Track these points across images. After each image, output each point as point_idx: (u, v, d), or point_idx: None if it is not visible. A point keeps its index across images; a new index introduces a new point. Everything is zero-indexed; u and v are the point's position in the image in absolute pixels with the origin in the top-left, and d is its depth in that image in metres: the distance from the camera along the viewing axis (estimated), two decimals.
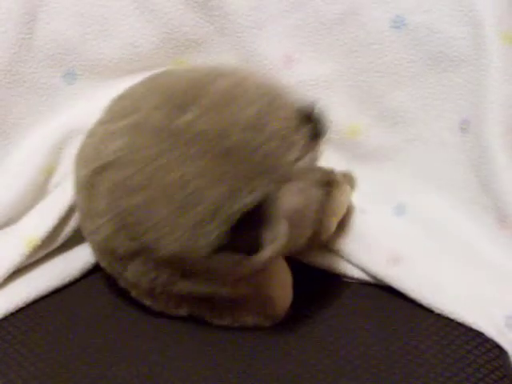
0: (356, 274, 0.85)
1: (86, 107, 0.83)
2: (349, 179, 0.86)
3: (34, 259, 0.85)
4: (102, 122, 0.76)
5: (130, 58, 0.89)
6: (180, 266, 0.71)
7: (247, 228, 0.67)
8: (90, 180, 0.73)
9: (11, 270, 0.83)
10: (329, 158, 0.90)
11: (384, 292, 0.83)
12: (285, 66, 0.90)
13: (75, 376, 0.72)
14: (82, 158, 0.77)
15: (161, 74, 0.78)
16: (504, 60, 0.83)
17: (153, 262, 0.72)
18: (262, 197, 0.67)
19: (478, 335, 0.75)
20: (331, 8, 0.88)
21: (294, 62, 0.90)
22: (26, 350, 0.76)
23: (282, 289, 0.78)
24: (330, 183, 0.80)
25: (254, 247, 0.68)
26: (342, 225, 0.85)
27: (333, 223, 0.82)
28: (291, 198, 0.69)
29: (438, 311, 0.78)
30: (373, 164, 0.91)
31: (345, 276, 0.86)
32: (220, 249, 0.67)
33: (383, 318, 0.78)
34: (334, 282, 0.85)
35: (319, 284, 0.84)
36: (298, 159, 0.70)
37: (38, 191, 0.87)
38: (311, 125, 0.72)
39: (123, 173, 0.70)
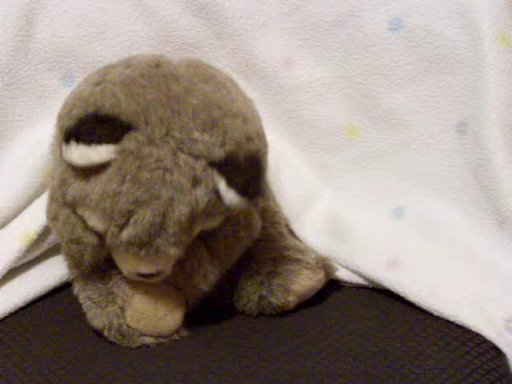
0: (354, 279, 0.86)
1: None
2: (324, 265, 0.83)
3: (31, 256, 0.86)
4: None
5: None
6: None
7: None
8: None
9: (8, 267, 0.83)
10: (326, 160, 0.92)
11: (381, 294, 0.83)
12: (283, 69, 0.90)
13: (74, 378, 0.72)
14: None
15: None
16: (501, 62, 0.83)
17: None
18: None
19: (475, 336, 0.75)
20: (329, 10, 0.88)
21: (292, 65, 0.90)
22: (25, 351, 0.76)
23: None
24: (297, 261, 0.81)
25: None
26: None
27: (290, 302, 0.81)
28: None
29: (437, 314, 0.78)
30: (370, 166, 0.91)
31: (342, 281, 0.86)
32: None
33: (380, 320, 0.78)
34: (330, 285, 0.85)
35: None
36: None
37: (35, 193, 0.87)
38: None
39: None
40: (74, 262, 0.77)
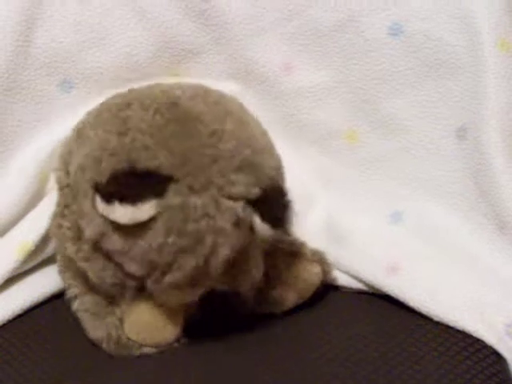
0: (354, 284, 0.86)
1: (82, 115, 0.84)
2: (320, 259, 0.84)
3: (29, 265, 0.86)
4: None
5: (127, 66, 0.89)
6: None
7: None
8: None
9: (6, 277, 0.83)
10: (326, 165, 0.92)
11: (380, 299, 0.83)
12: (283, 74, 0.90)
13: (74, 383, 0.72)
14: None
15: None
16: (501, 67, 0.82)
17: None
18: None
19: (476, 342, 0.75)
20: (329, 15, 0.88)
21: (292, 69, 0.90)
22: (25, 357, 0.76)
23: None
24: (294, 254, 0.82)
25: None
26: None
27: (288, 296, 0.81)
28: None
29: (437, 319, 0.78)
30: (370, 171, 0.91)
31: (341, 287, 0.86)
32: None
33: (380, 325, 0.78)
34: (330, 290, 0.85)
35: (315, 292, 0.83)
36: None
37: (34, 199, 0.87)
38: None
39: None
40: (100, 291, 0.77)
